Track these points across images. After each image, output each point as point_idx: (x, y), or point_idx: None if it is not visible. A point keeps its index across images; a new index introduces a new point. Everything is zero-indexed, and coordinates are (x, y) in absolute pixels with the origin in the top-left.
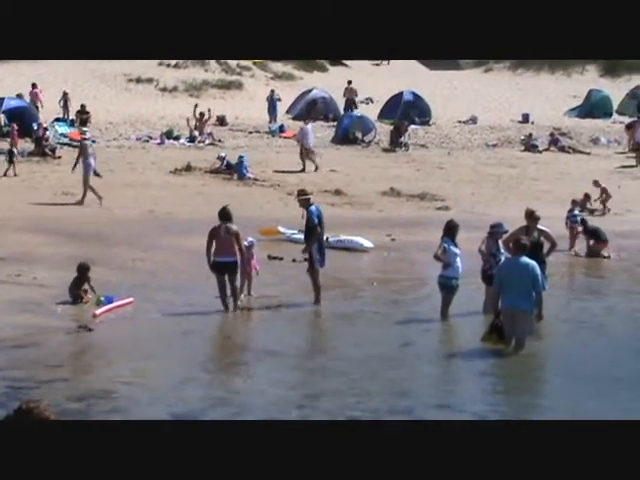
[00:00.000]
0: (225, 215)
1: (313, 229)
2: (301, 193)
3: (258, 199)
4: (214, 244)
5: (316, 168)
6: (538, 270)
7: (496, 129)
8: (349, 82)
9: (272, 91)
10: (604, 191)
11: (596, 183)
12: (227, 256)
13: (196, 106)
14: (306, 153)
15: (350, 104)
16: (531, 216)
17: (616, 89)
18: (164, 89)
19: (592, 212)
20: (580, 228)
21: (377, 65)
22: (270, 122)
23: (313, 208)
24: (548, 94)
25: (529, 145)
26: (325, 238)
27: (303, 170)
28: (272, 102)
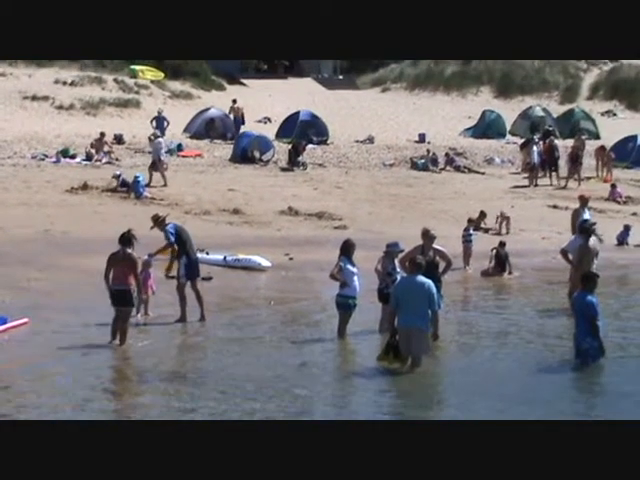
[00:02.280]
0: (123, 240)
1: (170, 246)
2: (154, 218)
3: None
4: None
5: (165, 184)
6: (434, 289)
7: (393, 149)
8: (234, 101)
9: (159, 112)
10: (506, 219)
11: (502, 214)
12: (119, 284)
13: (102, 135)
14: (159, 166)
15: (238, 123)
16: (427, 235)
17: (509, 110)
18: (60, 107)
19: (487, 231)
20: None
21: (275, 78)
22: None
23: (169, 226)
24: (444, 114)
25: (417, 164)
26: (223, 257)
27: (149, 185)
28: (159, 122)
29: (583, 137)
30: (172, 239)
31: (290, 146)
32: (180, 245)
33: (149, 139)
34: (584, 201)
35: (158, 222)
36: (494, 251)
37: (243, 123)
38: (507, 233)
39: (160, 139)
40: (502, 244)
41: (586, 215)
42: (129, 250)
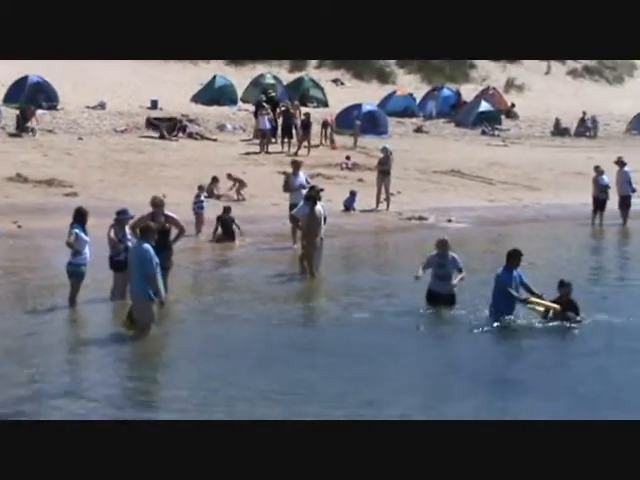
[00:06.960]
0: None
1: None
2: None
3: None
4: None
5: None
6: (149, 253)
7: (125, 115)
8: None
9: None
10: (238, 181)
11: (229, 176)
12: None
13: None
14: None
15: None
16: (155, 203)
17: (241, 77)
18: None
19: (219, 197)
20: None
21: None
22: None
23: None
24: (176, 81)
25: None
26: None
27: None
28: None
29: (297, 104)
30: None
31: (18, 111)
32: None
33: None
34: (296, 166)
35: None
36: (218, 218)
37: None
38: (242, 199)
39: None
40: (226, 209)
41: (300, 179)
42: None
